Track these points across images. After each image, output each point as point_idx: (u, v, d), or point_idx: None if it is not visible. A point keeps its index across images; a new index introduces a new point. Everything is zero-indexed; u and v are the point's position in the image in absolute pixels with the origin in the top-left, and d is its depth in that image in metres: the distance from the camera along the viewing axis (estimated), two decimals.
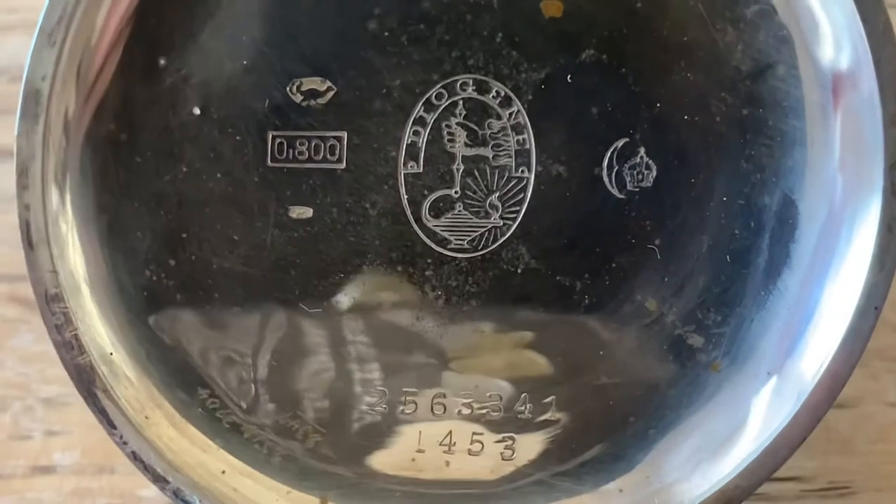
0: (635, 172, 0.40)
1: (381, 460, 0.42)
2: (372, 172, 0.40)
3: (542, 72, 0.40)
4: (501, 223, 0.41)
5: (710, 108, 0.40)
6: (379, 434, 0.42)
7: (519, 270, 0.41)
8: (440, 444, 0.42)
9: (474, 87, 0.40)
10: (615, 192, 0.40)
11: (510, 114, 0.40)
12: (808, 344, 0.39)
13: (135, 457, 0.39)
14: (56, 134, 0.38)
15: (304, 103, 0.40)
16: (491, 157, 0.40)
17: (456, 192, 0.41)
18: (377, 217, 0.41)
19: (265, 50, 0.40)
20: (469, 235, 0.41)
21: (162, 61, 0.39)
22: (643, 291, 0.41)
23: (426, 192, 0.41)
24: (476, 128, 0.40)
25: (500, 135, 0.40)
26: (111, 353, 0.39)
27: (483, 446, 0.42)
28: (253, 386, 0.41)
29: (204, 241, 0.40)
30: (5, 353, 0.47)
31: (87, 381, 0.39)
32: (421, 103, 0.40)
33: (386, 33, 0.39)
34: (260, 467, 0.41)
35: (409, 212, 0.41)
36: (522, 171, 0.40)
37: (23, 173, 0.37)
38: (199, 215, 0.40)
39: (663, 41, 0.40)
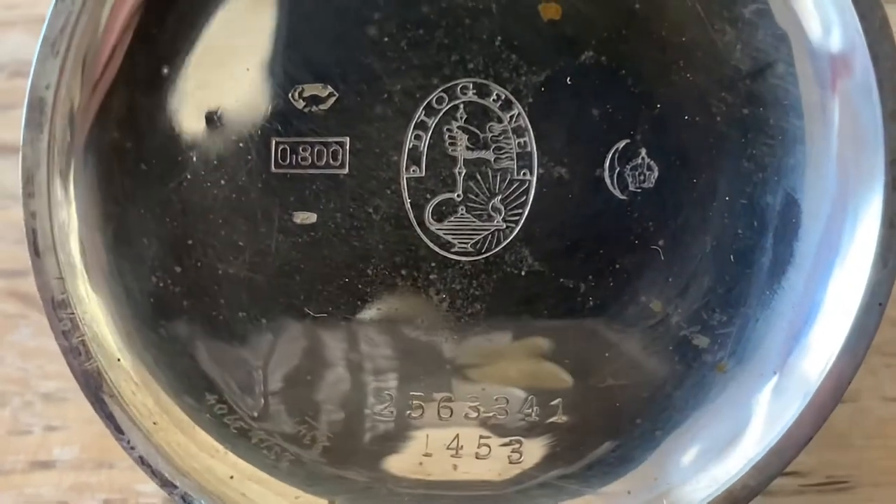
0: (637, 173, 0.40)
1: (389, 465, 0.42)
2: (374, 177, 0.41)
3: (541, 74, 0.40)
4: (504, 226, 0.41)
5: (710, 108, 0.40)
6: (386, 438, 0.42)
7: (523, 273, 0.41)
8: (447, 448, 0.42)
9: (475, 91, 0.40)
10: (617, 193, 0.41)
11: (511, 117, 0.40)
12: (812, 342, 0.39)
13: (142, 461, 0.39)
14: (61, 142, 0.38)
15: (306, 109, 0.40)
16: (493, 160, 0.41)
17: (458, 196, 0.41)
18: (380, 221, 0.41)
19: (267, 57, 0.40)
20: (472, 239, 0.41)
21: (165, 69, 0.40)
22: (647, 293, 0.41)
23: (429, 196, 0.41)
24: (477, 131, 0.40)
25: (501, 138, 0.40)
26: (119, 359, 0.40)
27: (490, 449, 0.42)
28: (260, 391, 0.41)
29: (209, 248, 0.41)
30: (4, 349, 0.47)
31: (94, 386, 0.39)
32: (422, 107, 0.40)
33: (386, 38, 0.40)
34: (268, 472, 0.41)
35: (412, 216, 0.41)
36: (524, 174, 0.41)
37: (28, 181, 0.38)
38: (203, 222, 0.41)
39: (662, 42, 0.40)
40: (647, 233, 0.41)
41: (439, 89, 0.40)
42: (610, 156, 0.40)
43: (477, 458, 0.42)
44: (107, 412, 0.39)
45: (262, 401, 0.41)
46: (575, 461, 0.42)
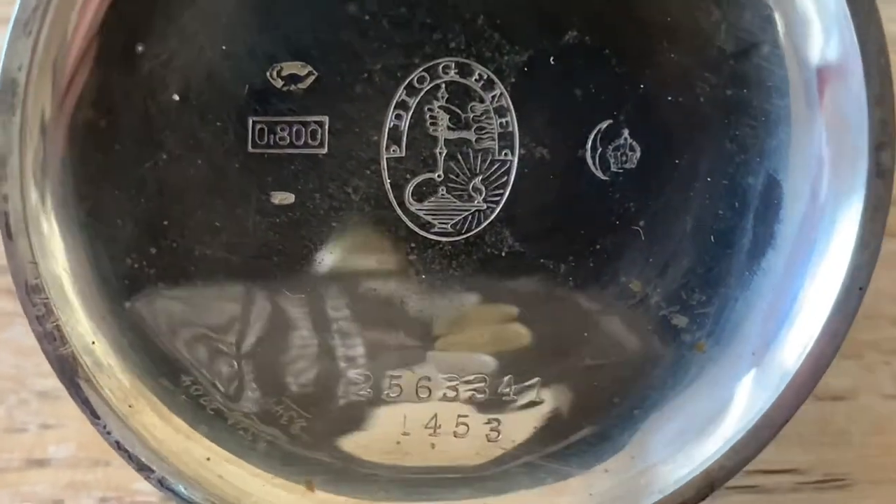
0: (619, 154, 0.40)
1: (367, 444, 0.41)
2: (354, 157, 0.40)
3: (524, 54, 0.39)
4: (485, 206, 0.40)
5: (694, 89, 0.40)
6: (364, 418, 0.42)
7: (503, 254, 0.41)
8: (425, 427, 0.42)
9: (456, 71, 0.40)
10: (599, 173, 0.40)
11: (493, 97, 0.40)
12: (792, 324, 0.39)
13: (119, 446, 0.39)
14: (34, 124, 0.37)
15: (284, 88, 0.39)
16: (474, 140, 0.40)
17: (439, 176, 0.40)
18: (360, 202, 0.40)
19: (245, 35, 0.39)
20: (452, 219, 0.41)
21: (140, 47, 0.39)
22: (627, 273, 0.41)
23: (409, 177, 0.40)
24: (459, 111, 0.40)
25: (483, 118, 0.40)
26: (93, 343, 0.39)
27: (468, 428, 0.42)
28: (237, 372, 0.41)
29: (185, 229, 0.40)
30: None
31: (69, 371, 0.38)
32: (403, 87, 0.40)
33: (366, 17, 0.39)
34: (245, 454, 0.40)
35: (391, 196, 0.40)
36: (506, 154, 0.40)
37: (1, 164, 0.37)
38: (179, 202, 0.40)
39: (647, 22, 0.39)
40: (628, 213, 0.41)
41: (421, 68, 0.39)
42: (592, 136, 0.40)
43: (455, 436, 0.42)
44: (82, 397, 0.38)
45: (238, 382, 0.41)
46: (553, 440, 0.42)
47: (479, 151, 0.40)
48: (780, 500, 0.46)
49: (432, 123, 0.40)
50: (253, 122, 0.39)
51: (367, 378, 0.41)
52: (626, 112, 0.40)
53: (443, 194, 0.40)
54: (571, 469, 0.41)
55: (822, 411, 0.46)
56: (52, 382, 0.42)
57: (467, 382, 0.42)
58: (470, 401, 0.42)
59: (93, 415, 0.38)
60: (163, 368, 0.40)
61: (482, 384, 0.42)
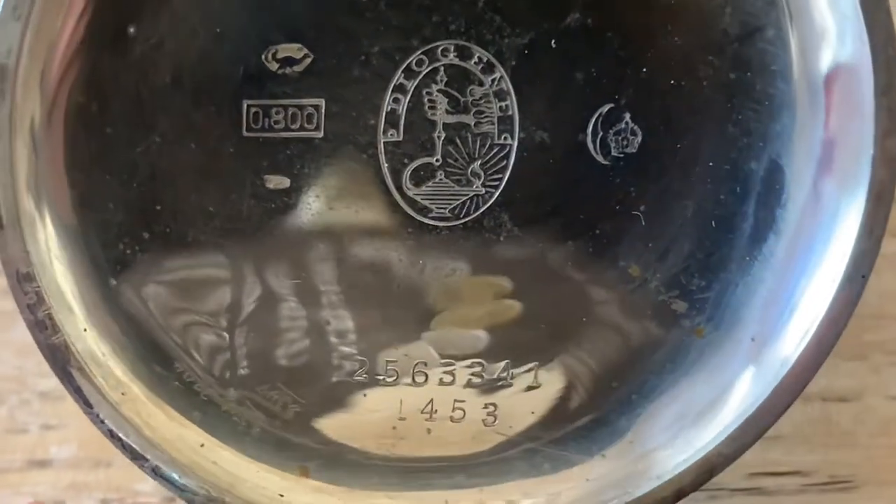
0: (620, 138, 0.40)
1: (362, 429, 0.41)
2: (351, 141, 0.39)
3: (525, 37, 0.39)
4: (483, 191, 0.40)
5: (697, 73, 0.39)
6: (359, 403, 0.41)
7: (501, 238, 0.40)
8: (421, 412, 0.41)
9: (456, 53, 0.39)
10: (599, 158, 0.40)
11: (493, 80, 0.39)
12: (793, 311, 0.39)
13: (112, 435, 0.38)
14: (23, 109, 0.36)
15: (280, 71, 0.39)
16: (473, 124, 0.39)
17: (437, 161, 0.40)
18: (356, 186, 0.40)
19: (239, 17, 0.38)
20: (451, 204, 0.40)
21: (132, 29, 0.38)
22: (627, 258, 0.41)
23: (407, 161, 0.40)
24: (458, 95, 0.39)
25: (482, 101, 0.39)
26: (85, 330, 0.38)
27: (465, 413, 0.41)
28: (230, 358, 0.40)
29: (178, 213, 0.39)
30: (1, 346, 0.46)
31: (61, 360, 0.38)
32: (401, 70, 0.39)
33: None
34: (239, 440, 0.40)
35: (389, 180, 0.40)
36: (505, 139, 0.39)
37: None
38: (172, 187, 0.39)
39: (650, 5, 0.39)
40: (628, 198, 0.40)
41: (419, 51, 0.39)
42: (593, 120, 0.39)
43: (451, 421, 0.41)
44: (74, 386, 0.38)
45: (231, 367, 0.40)
46: (550, 425, 0.41)
47: (479, 135, 0.39)
48: (785, 502, 0.46)
49: (431, 107, 0.39)
50: (247, 105, 0.39)
51: (363, 363, 0.41)
52: (628, 96, 0.39)
53: (441, 179, 0.40)
54: (569, 454, 0.41)
55: (828, 412, 0.46)
56: (54, 383, 0.42)
57: (465, 367, 0.41)
58: (467, 386, 0.41)
59: (86, 404, 0.38)
60: (155, 355, 0.40)
61: (479, 369, 0.41)
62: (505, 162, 0.40)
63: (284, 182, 0.39)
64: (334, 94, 0.39)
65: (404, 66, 0.39)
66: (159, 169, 0.39)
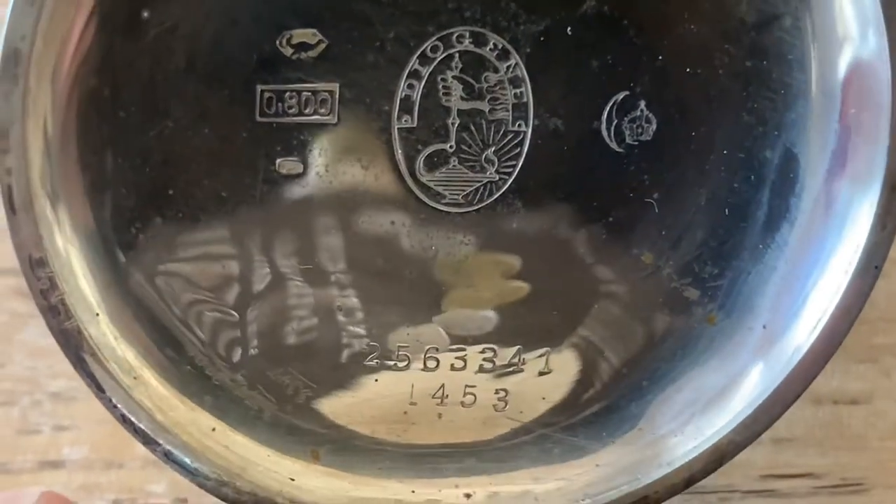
0: (635, 126, 0.39)
1: (373, 414, 0.41)
2: (365, 127, 0.39)
3: (541, 24, 0.38)
4: (497, 178, 0.40)
5: (713, 61, 0.39)
6: (371, 387, 0.41)
7: (514, 225, 0.40)
8: (432, 397, 0.41)
9: (471, 40, 0.39)
10: (614, 145, 0.40)
11: (508, 67, 0.39)
12: (805, 300, 0.39)
13: (124, 419, 0.38)
14: (37, 94, 0.36)
15: (294, 56, 0.38)
16: (487, 110, 0.39)
17: (451, 147, 0.39)
18: (370, 172, 0.39)
19: (253, 1, 0.38)
20: (464, 190, 0.40)
21: (145, 14, 0.37)
22: (640, 245, 0.41)
23: (420, 147, 0.39)
24: (472, 81, 0.39)
25: (497, 88, 0.39)
26: (97, 315, 0.38)
27: (476, 398, 0.41)
28: (242, 341, 0.40)
29: (191, 198, 0.39)
30: (14, 348, 0.46)
31: (74, 345, 0.37)
32: (416, 56, 0.39)
33: None
34: (250, 424, 0.40)
35: (403, 166, 0.39)
36: (519, 125, 0.39)
37: (3, 136, 0.36)
38: (185, 172, 0.39)
39: None
40: (642, 186, 0.40)
41: (434, 37, 0.38)
42: (608, 108, 0.39)
43: (462, 406, 0.41)
44: (87, 371, 0.38)
45: (243, 351, 0.40)
46: (561, 411, 0.41)
47: (493, 122, 0.39)
48: None
49: (445, 93, 0.39)
50: (261, 90, 0.38)
51: (375, 348, 0.41)
52: (643, 84, 0.39)
53: (455, 165, 0.40)
54: (579, 440, 0.41)
55: (839, 415, 0.46)
56: (66, 384, 0.42)
57: (476, 352, 0.41)
58: (478, 371, 0.41)
59: (98, 389, 0.38)
60: (167, 339, 0.40)
61: (491, 354, 0.41)
62: (519, 149, 0.39)
63: (297, 167, 0.39)
64: (348, 79, 0.39)
65: (419, 52, 0.38)
66: (172, 154, 0.39)
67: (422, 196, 0.40)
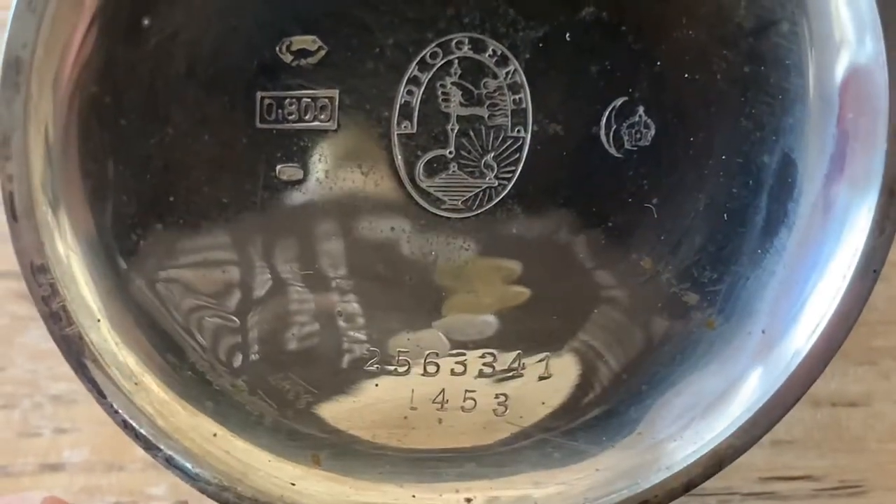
0: (633, 131, 0.40)
1: (373, 419, 0.41)
2: (364, 133, 0.39)
3: (539, 30, 0.39)
4: (496, 183, 0.40)
5: (711, 66, 0.39)
6: (371, 392, 0.41)
7: (514, 230, 0.40)
8: (433, 402, 0.41)
9: (470, 46, 0.39)
10: (612, 151, 0.40)
11: (507, 73, 0.39)
12: (804, 304, 0.39)
13: (125, 425, 0.38)
14: (38, 101, 0.36)
15: (294, 63, 0.38)
16: (486, 116, 0.39)
17: (450, 153, 0.40)
18: (370, 178, 0.40)
19: (254, 8, 0.38)
20: (463, 196, 0.40)
21: (146, 21, 0.38)
22: (639, 250, 0.41)
23: (420, 153, 0.40)
24: (472, 87, 0.39)
25: (496, 94, 0.39)
26: (98, 321, 0.38)
27: (476, 403, 0.41)
28: (243, 347, 0.40)
29: (192, 205, 0.39)
30: (15, 350, 0.46)
31: (76, 351, 0.38)
32: (415, 62, 0.39)
33: None
34: (251, 429, 0.40)
35: (402, 172, 0.40)
36: (518, 131, 0.39)
37: (5, 143, 0.36)
38: (186, 178, 0.39)
39: None
40: (641, 191, 0.40)
41: (433, 44, 0.39)
42: (607, 113, 0.39)
43: (462, 411, 0.41)
44: (89, 377, 0.38)
45: (244, 357, 0.40)
46: (561, 415, 0.41)
47: (492, 128, 0.39)
48: None
49: (444, 99, 0.39)
50: (261, 96, 0.39)
51: (375, 353, 0.41)
52: (642, 89, 0.39)
53: (454, 171, 0.40)
54: (579, 444, 0.41)
55: (838, 417, 0.46)
56: (67, 386, 0.42)
57: (476, 357, 0.41)
58: (478, 376, 0.41)
59: (99, 394, 0.38)
60: (168, 345, 0.40)
61: (491, 359, 0.41)
62: (518, 154, 0.40)
63: (298, 173, 0.39)
64: (348, 86, 0.39)
65: (418, 58, 0.39)
66: (173, 160, 0.39)
67: (421, 202, 0.40)
